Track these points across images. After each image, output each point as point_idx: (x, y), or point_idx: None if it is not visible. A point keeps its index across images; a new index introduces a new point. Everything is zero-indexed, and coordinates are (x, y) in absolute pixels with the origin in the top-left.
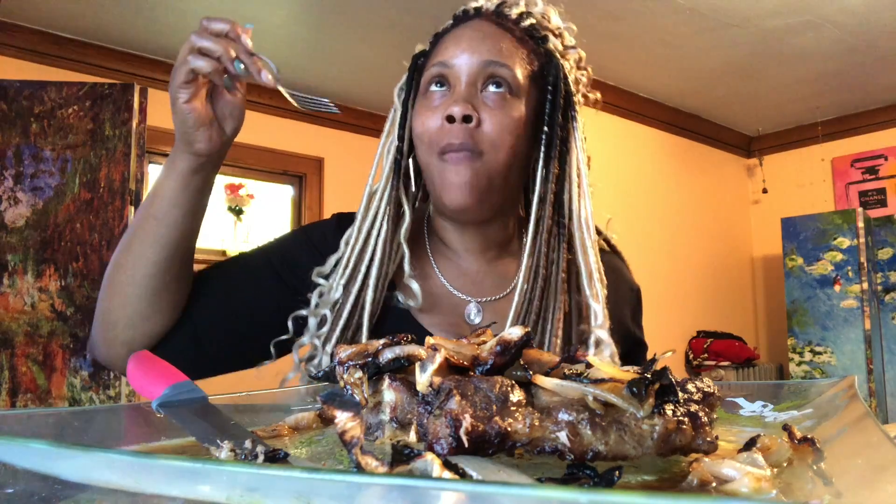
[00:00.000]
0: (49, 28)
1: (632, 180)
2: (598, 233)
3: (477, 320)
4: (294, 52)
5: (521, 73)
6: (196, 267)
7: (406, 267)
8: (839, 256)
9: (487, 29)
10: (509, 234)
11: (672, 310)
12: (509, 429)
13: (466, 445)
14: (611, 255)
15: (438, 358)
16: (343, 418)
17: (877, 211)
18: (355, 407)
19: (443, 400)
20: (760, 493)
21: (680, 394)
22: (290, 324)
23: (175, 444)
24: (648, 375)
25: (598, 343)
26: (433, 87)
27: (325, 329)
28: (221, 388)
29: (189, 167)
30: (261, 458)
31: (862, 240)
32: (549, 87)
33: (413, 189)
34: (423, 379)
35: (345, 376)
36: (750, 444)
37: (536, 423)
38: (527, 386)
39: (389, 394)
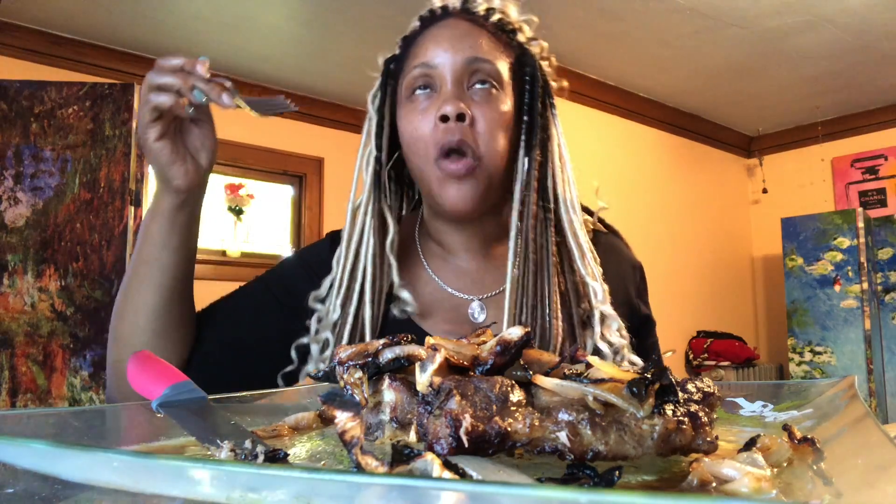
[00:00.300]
0: (49, 28)
1: (632, 180)
2: (590, 213)
3: (481, 318)
4: (294, 52)
5: (502, 67)
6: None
7: (395, 278)
8: (839, 256)
9: (463, 27)
10: (504, 226)
11: (672, 310)
12: (509, 429)
13: (466, 445)
14: (608, 236)
15: (438, 358)
16: (343, 418)
17: (877, 211)
18: (355, 407)
19: (443, 400)
20: (760, 493)
21: (680, 394)
22: (293, 353)
23: (175, 444)
24: (648, 375)
25: (603, 319)
26: (418, 90)
27: (328, 353)
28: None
29: (172, 205)
30: (261, 458)
31: (862, 240)
32: (527, 78)
33: (395, 198)
34: (423, 379)
35: (345, 376)
36: (750, 444)
37: (536, 423)
38: (527, 386)
39: (389, 394)
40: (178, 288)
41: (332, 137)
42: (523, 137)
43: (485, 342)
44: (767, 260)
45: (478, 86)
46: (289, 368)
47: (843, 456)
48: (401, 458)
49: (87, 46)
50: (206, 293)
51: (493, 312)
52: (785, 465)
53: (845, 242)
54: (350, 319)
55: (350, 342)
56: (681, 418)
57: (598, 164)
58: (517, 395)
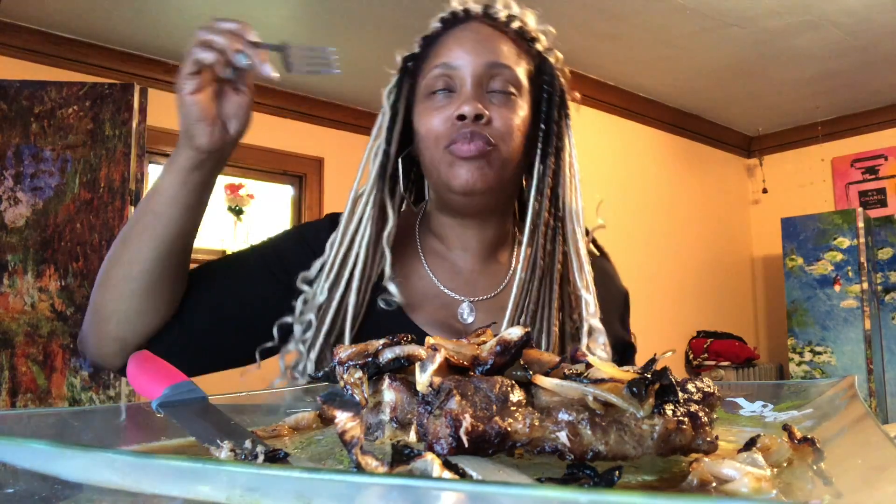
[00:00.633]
0: (49, 28)
1: (632, 180)
2: (586, 233)
3: (470, 319)
4: None
5: (521, 73)
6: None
7: (387, 269)
8: (839, 256)
9: (485, 31)
10: (506, 233)
11: (672, 310)
12: (509, 429)
13: (466, 445)
14: (601, 259)
15: (438, 358)
16: (343, 418)
17: (877, 211)
18: (355, 407)
19: (443, 400)
20: (760, 493)
21: (680, 394)
22: (275, 331)
23: (175, 444)
24: (648, 375)
25: (590, 332)
26: (437, 89)
27: (309, 334)
28: (221, 388)
29: (189, 163)
30: (261, 458)
31: (862, 240)
32: (545, 87)
33: (400, 192)
34: (423, 379)
35: (345, 376)
36: (750, 444)
37: (536, 423)
38: (527, 386)
39: (389, 394)
40: (180, 243)
41: (332, 137)
42: (539, 145)
43: (485, 342)
44: (767, 260)
45: (497, 90)
46: (269, 345)
47: (843, 456)
48: (401, 458)
49: (87, 46)
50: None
51: (483, 315)
52: (785, 465)
53: (845, 242)
54: (335, 304)
55: (332, 327)
56: (681, 418)
57: (598, 164)
58: (517, 395)
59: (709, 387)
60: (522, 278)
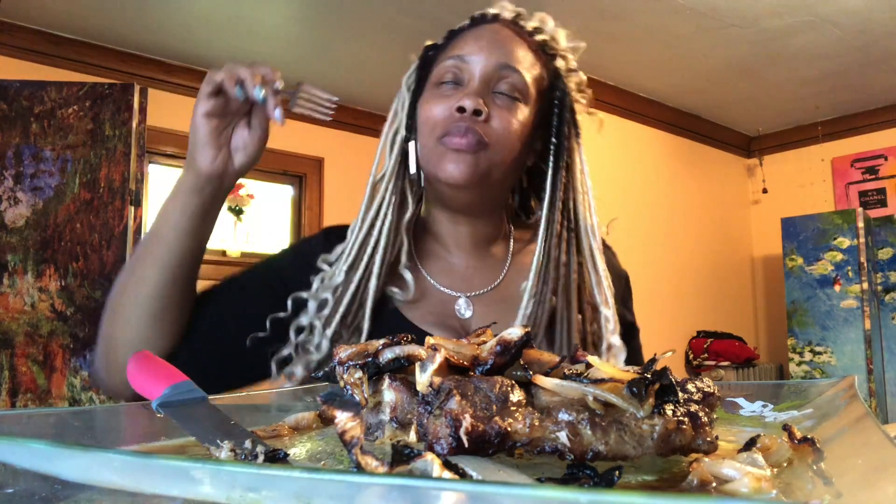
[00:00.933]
0: (49, 28)
1: (632, 180)
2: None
3: (468, 314)
4: (294, 52)
5: (531, 81)
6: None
7: (403, 257)
8: (839, 256)
9: (505, 33)
10: (499, 231)
11: (672, 310)
12: (509, 429)
13: (466, 445)
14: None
15: (438, 358)
16: (343, 418)
17: (877, 211)
18: (355, 407)
19: (443, 400)
20: (760, 493)
21: (680, 394)
22: (267, 324)
23: (175, 444)
24: (648, 375)
25: (609, 347)
26: (446, 79)
27: (326, 311)
28: None
29: (189, 186)
30: (261, 458)
31: (862, 240)
32: (557, 102)
33: (416, 179)
34: (423, 379)
35: (345, 376)
36: (750, 444)
37: (536, 423)
38: (527, 386)
39: (389, 394)
40: (184, 270)
41: (332, 137)
42: (551, 159)
43: (485, 342)
44: (767, 260)
45: (503, 92)
46: (285, 353)
47: (843, 456)
48: (401, 458)
49: (87, 46)
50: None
51: (480, 309)
52: (785, 465)
53: (845, 242)
54: (353, 285)
55: (349, 308)
56: (681, 418)
57: (597, 164)
58: (517, 395)
59: (709, 387)
60: (534, 290)
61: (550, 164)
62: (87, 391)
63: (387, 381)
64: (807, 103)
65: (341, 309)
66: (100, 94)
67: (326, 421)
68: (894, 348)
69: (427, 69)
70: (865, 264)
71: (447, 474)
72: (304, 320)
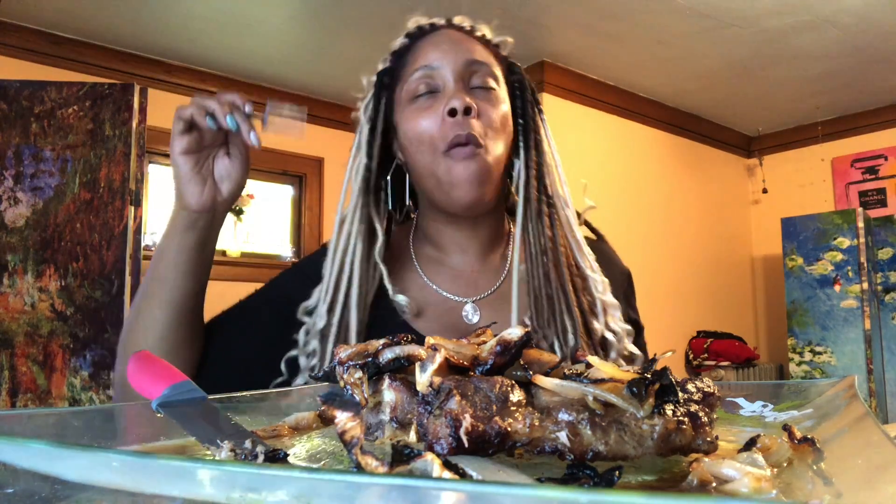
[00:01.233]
0: (49, 28)
1: (632, 180)
2: (577, 215)
3: (475, 319)
4: (294, 52)
5: (497, 70)
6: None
7: (387, 284)
8: (839, 256)
9: (456, 35)
10: (500, 229)
11: (672, 310)
12: (509, 429)
13: (466, 445)
14: (598, 243)
15: (438, 358)
16: (343, 418)
17: (877, 211)
18: (355, 407)
19: (443, 400)
20: (760, 493)
21: (680, 394)
22: (283, 367)
23: (175, 444)
24: (648, 375)
25: (605, 308)
26: (420, 92)
27: (315, 361)
28: None
29: (183, 225)
30: (261, 458)
31: (862, 240)
32: (517, 85)
33: (386, 207)
34: (423, 379)
35: (345, 376)
36: (750, 444)
37: (536, 423)
38: (527, 386)
39: (389, 394)
40: (188, 308)
41: (332, 137)
42: (521, 140)
43: (485, 342)
44: (767, 260)
45: (478, 86)
46: (279, 380)
47: (843, 456)
48: (401, 458)
49: (87, 46)
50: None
51: (487, 313)
52: (785, 465)
53: (845, 242)
54: (334, 327)
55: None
56: (681, 418)
57: (598, 164)
58: (517, 395)
59: (709, 387)
60: (524, 270)
61: (521, 145)
62: (87, 391)
63: (387, 381)
64: (807, 103)
65: (328, 354)
66: (100, 94)
67: (326, 421)
68: (894, 348)
69: (386, 94)
70: (865, 264)
71: (447, 474)
72: (300, 381)
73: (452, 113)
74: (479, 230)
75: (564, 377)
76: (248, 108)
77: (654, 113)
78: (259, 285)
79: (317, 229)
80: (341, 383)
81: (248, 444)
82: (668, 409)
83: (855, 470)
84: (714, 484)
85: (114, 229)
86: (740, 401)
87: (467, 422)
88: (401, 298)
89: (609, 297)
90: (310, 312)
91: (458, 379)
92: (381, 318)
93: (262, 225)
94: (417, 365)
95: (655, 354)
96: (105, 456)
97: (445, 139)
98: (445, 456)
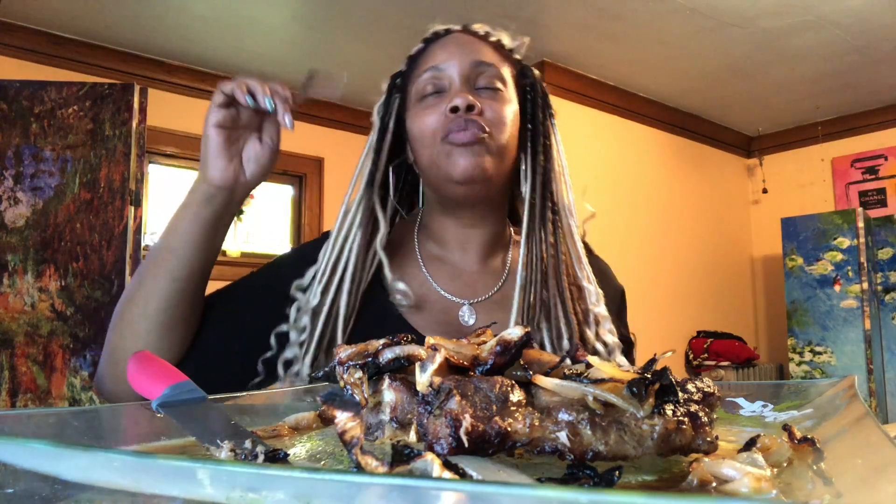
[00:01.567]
0: (49, 28)
1: (632, 180)
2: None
3: (471, 321)
4: (294, 52)
5: (505, 72)
6: None
7: (386, 271)
8: (839, 256)
9: (467, 38)
10: (503, 233)
11: (672, 310)
12: (509, 429)
13: (466, 445)
14: (595, 258)
15: (438, 358)
16: (343, 418)
17: (877, 211)
18: (355, 407)
19: (443, 400)
20: (760, 493)
21: (680, 394)
22: (272, 340)
23: (175, 444)
24: (648, 375)
25: (598, 321)
26: (427, 92)
27: (305, 336)
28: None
29: (200, 196)
30: (261, 458)
31: (862, 240)
32: (528, 89)
33: (392, 202)
34: (423, 379)
35: (345, 376)
36: (750, 444)
37: (536, 423)
38: (527, 386)
39: (389, 394)
40: (192, 284)
41: (332, 137)
42: (529, 144)
43: (485, 342)
44: (767, 260)
45: (484, 86)
46: (268, 354)
47: (843, 456)
48: (401, 458)
49: (87, 46)
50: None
51: (483, 316)
52: (785, 465)
53: (845, 242)
54: (326, 308)
55: (324, 330)
56: (681, 418)
57: (598, 164)
58: (517, 395)
59: (709, 387)
60: (525, 276)
61: (529, 149)
62: (87, 391)
63: (387, 381)
64: (807, 103)
65: (317, 332)
66: (100, 94)
67: (326, 421)
68: (894, 348)
69: (399, 96)
70: (865, 264)
71: (447, 474)
72: (289, 354)
73: (455, 110)
74: (483, 229)
75: (564, 377)
76: (287, 94)
77: (654, 113)
78: None
79: (317, 229)
80: (341, 383)
81: (248, 444)
82: (668, 409)
83: (855, 470)
84: (714, 484)
85: (114, 229)
86: (740, 401)
87: (467, 422)
88: (400, 286)
89: (602, 310)
90: (303, 290)
91: (458, 379)
92: (377, 312)
93: (262, 225)
94: (417, 365)
95: (655, 354)
96: (105, 456)
97: (445, 130)
98: (445, 456)
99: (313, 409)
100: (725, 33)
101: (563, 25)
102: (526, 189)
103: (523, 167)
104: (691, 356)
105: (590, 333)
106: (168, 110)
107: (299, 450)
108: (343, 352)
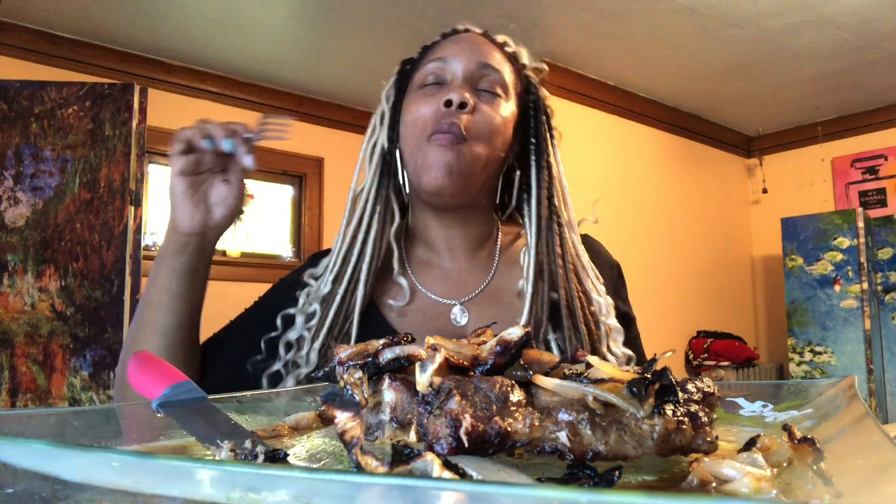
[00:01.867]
0: (49, 28)
1: (632, 180)
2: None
3: (463, 321)
4: (294, 52)
5: (509, 80)
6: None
7: (395, 265)
8: (839, 256)
9: (480, 39)
10: (489, 232)
11: (672, 310)
12: (509, 429)
13: (466, 445)
14: (585, 237)
15: (438, 358)
16: (343, 418)
17: (877, 211)
18: (355, 407)
19: (443, 400)
20: (760, 493)
21: (680, 394)
22: (278, 321)
23: (175, 444)
24: (648, 375)
25: (609, 332)
26: (429, 81)
27: (314, 322)
28: None
29: (175, 247)
30: (261, 458)
31: (862, 240)
32: (531, 105)
33: (402, 187)
34: (423, 379)
35: (345, 376)
36: (750, 444)
37: (536, 423)
38: (527, 386)
39: (389, 394)
40: (182, 335)
41: (332, 137)
42: (533, 159)
43: (485, 342)
44: (767, 260)
45: (485, 89)
46: (273, 334)
47: (843, 456)
48: (401, 458)
49: (87, 46)
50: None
51: (475, 315)
52: (785, 465)
53: (845, 242)
54: (338, 297)
55: (335, 319)
56: (681, 418)
57: (598, 164)
58: (517, 395)
59: (709, 387)
60: (533, 290)
61: (533, 164)
62: (87, 391)
63: (387, 381)
64: (807, 103)
65: (329, 319)
66: (100, 94)
67: (326, 421)
68: (894, 348)
69: (405, 82)
70: (865, 264)
71: (447, 474)
72: (292, 335)
73: (448, 104)
74: (470, 229)
75: (564, 377)
76: (248, 134)
77: (654, 113)
78: (257, 285)
79: (317, 229)
80: (341, 383)
81: (248, 444)
82: (668, 409)
83: (855, 470)
84: (714, 484)
85: (114, 229)
86: (740, 401)
87: (467, 422)
88: (403, 281)
89: (613, 322)
90: (316, 277)
91: (458, 379)
92: (366, 321)
93: (262, 225)
94: (417, 365)
95: (655, 354)
96: (105, 456)
97: (431, 126)
98: (445, 456)
99: (313, 409)
100: (725, 33)
101: (563, 26)
102: (532, 203)
103: (528, 182)
104: (691, 356)
105: (600, 345)
106: (168, 110)
107: (299, 450)
108: (343, 352)
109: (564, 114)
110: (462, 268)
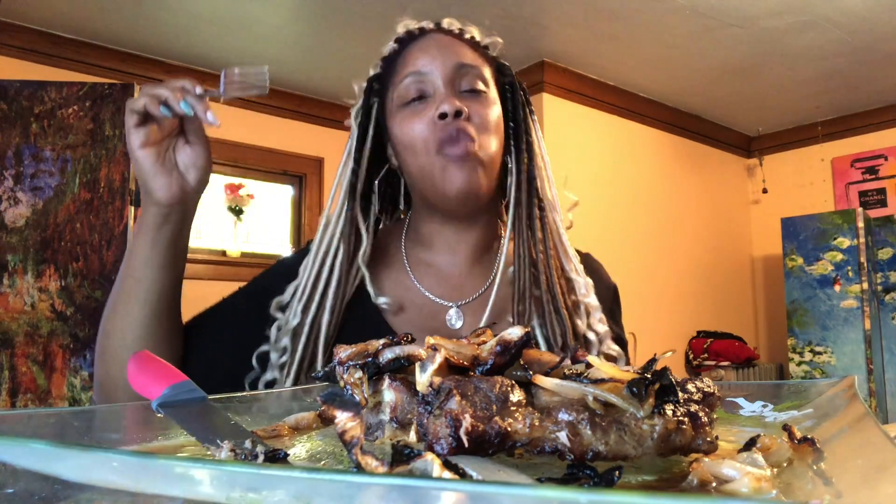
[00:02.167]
0: (49, 28)
1: (632, 180)
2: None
3: (458, 324)
4: (294, 52)
5: (487, 73)
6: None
7: (369, 287)
8: (839, 256)
9: (444, 39)
10: (493, 233)
11: (672, 310)
12: (509, 429)
13: (466, 445)
14: (585, 256)
15: (438, 358)
16: (343, 418)
17: (877, 211)
18: (355, 407)
19: (443, 400)
20: (760, 493)
21: (680, 394)
22: (254, 361)
23: (175, 444)
24: (648, 375)
25: (588, 311)
26: (412, 98)
27: (285, 358)
28: None
29: (154, 220)
30: (261, 458)
31: (862, 240)
32: (507, 87)
33: (374, 211)
34: (423, 379)
35: (345, 376)
36: (750, 444)
37: (536, 423)
38: (527, 386)
39: (389, 394)
40: (164, 306)
41: (332, 137)
42: (512, 142)
43: (485, 342)
44: (767, 260)
45: (468, 89)
46: (253, 376)
47: (843, 456)
48: (401, 458)
49: (87, 46)
50: (207, 293)
51: (470, 319)
52: (785, 465)
53: (845, 242)
54: (307, 327)
55: (305, 350)
56: (681, 418)
57: (598, 164)
58: (517, 395)
59: (709, 387)
60: (514, 272)
61: (513, 148)
62: (87, 391)
63: (387, 381)
64: (807, 103)
65: (298, 352)
66: (100, 94)
67: (326, 421)
68: (894, 348)
69: (377, 100)
70: (865, 264)
71: (447, 474)
72: (268, 376)
73: (443, 117)
74: (472, 232)
75: (564, 377)
76: (198, 90)
77: (654, 113)
78: None
79: (316, 229)
80: (341, 383)
81: (248, 444)
82: (668, 409)
83: (855, 470)
84: (714, 484)
85: (114, 229)
86: (740, 401)
87: (467, 422)
88: (382, 301)
89: (592, 300)
90: (283, 308)
91: (458, 379)
92: (361, 319)
93: (262, 225)
94: (417, 365)
95: (655, 354)
96: (105, 456)
97: (436, 139)
98: (445, 456)
99: (313, 409)
100: (725, 33)
101: (563, 25)
102: (511, 188)
103: (509, 165)
104: (691, 356)
105: (581, 324)
106: None
107: (299, 450)
108: (343, 352)
109: (564, 114)
110: (462, 272)
